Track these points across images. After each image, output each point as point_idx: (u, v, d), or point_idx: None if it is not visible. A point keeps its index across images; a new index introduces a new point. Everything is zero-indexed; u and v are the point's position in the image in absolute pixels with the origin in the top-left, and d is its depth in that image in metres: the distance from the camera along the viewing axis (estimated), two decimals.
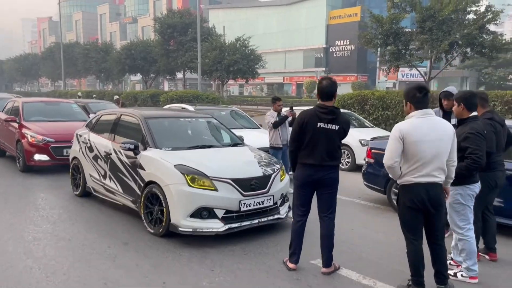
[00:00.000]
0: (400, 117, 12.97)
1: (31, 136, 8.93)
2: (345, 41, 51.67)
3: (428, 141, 3.40)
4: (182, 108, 10.25)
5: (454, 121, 5.37)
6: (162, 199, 5.00)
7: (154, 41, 37.13)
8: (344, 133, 4.12)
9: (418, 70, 16.43)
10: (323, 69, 53.63)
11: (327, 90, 4.05)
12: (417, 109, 3.49)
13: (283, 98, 48.32)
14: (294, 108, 7.89)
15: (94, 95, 27.12)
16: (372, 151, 7.02)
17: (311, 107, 4.28)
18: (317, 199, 4.26)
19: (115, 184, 6.03)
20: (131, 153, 5.59)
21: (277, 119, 7.45)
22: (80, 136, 7.14)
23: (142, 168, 5.39)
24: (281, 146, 7.54)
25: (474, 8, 14.62)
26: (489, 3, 14.88)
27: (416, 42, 14.91)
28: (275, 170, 5.46)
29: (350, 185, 8.52)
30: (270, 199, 5.24)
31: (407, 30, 15.80)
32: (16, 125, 9.53)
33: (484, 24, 14.32)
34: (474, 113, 3.87)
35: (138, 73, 40.29)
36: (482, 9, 14.57)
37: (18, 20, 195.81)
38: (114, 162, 6.02)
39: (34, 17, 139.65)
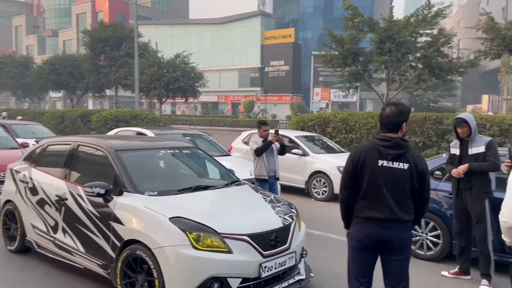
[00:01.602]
0: (365, 140, 12.43)
1: None
2: (279, 61, 52.18)
3: None
4: (138, 133, 8.72)
5: (481, 148, 4.65)
6: (151, 266, 3.61)
7: (82, 55, 34.22)
8: (418, 173, 3.03)
9: (376, 92, 16.29)
10: (259, 88, 53.55)
11: (391, 119, 3.02)
12: None
13: (219, 118, 47.34)
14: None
15: (4, 114, 23.56)
16: None
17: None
18: (382, 267, 3.16)
19: (73, 240, 4.47)
20: (99, 200, 4.11)
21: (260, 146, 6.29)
22: (17, 172, 5.42)
23: (119, 222, 3.94)
24: (267, 177, 6.36)
25: (428, 31, 14.81)
26: (442, 27, 15.21)
27: (376, 63, 14.68)
28: (294, 217, 4.30)
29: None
30: (292, 257, 4.05)
31: (366, 50, 15.61)
32: None
33: (439, 47, 14.54)
34: None
35: (62, 90, 36.87)
36: (435, 31, 14.84)
37: None
38: (71, 211, 4.47)
39: None
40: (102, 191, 4.02)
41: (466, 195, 4.74)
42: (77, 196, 4.44)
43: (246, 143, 11.22)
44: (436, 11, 14.66)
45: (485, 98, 27.64)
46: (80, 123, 22.43)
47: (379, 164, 2.99)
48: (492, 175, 4.72)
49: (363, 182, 3.04)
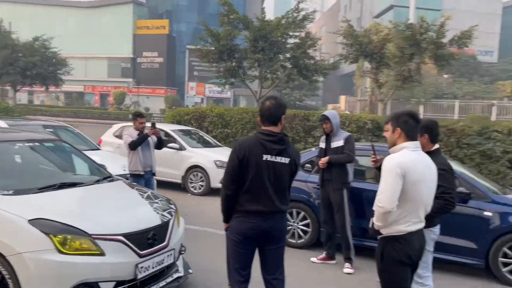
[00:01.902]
0: (240, 135, 12.75)
1: None
2: (153, 53, 50.50)
3: (426, 181, 2.84)
4: None
5: (341, 142, 5.09)
6: (6, 276, 3.13)
7: None
8: (296, 167, 3.20)
9: (250, 88, 16.74)
10: (130, 80, 51.17)
11: (272, 112, 3.09)
12: (410, 139, 2.87)
13: (85, 109, 43.90)
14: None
15: None
16: None
17: (251, 135, 3.22)
18: (260, 257, 3.23)
19: None
20: None
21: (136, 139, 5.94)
22: None
23: None
24: (143, 172, 6.04)
25: (297, 34, 15.76)
26: (309, 30, 16.31)
27: (250, 60, 15.10)
28: (172, 213, 4.14)
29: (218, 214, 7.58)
30: (171, 254, 3.90)
31: (241, 47, 15.92)
32: None
33: (306, 49, 15.59)
34: (437, 146, 3.51)
35: None
36: (303, 34, 15.88)
37: None
38: None
39: None
40: None
41: (328, 186, 5.15)
42: None
43: (118, 136, 10.58)
44: (304, 15, 15.75)
45: (342, 98, 30.72)
46: None
47: (264, 158, 3.03)
48: (350, 167, 5.20)
49: (248, 176, 3.04)
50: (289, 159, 3.10)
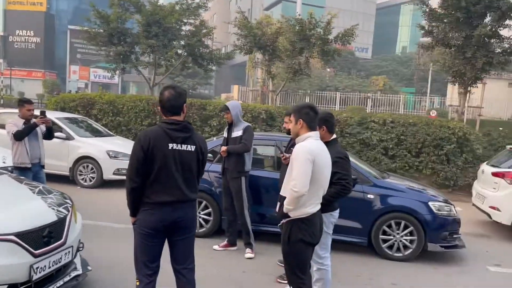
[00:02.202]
0: (133, 123, 12.26)
1: None
2: (29, 31, 45.63)
3: (327, 166, 3.14)
4: None
5: (240, 132, 5.28)
6: None
7: None
8: (202, 154, 3.22)
9: (143, 74, 16.06)
10: (0, 61, 45.52)
11: (173, 102, 3.07)
12: (312, 129, 3.17)
13: None
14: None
15: None
16: None
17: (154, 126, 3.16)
18: (170, 248, 3.22)
19: None
20: None
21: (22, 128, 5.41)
22: None
23: None
24: (30, 165, 5.50)
25: (191, 21, 15.52)
26: (203, 18, 16.18)
27: (142, 45, 14.46)
28: (69, 208, 3.88)
29: (112, 207, 7.26)
30: (69, 252, 3.67)
31: (133, 32, 15.15)
32: None
33: (201, 37, 15.47)
34: (334, 136, 3.83)
35: None
36: (197, 22, 15.70)
37: None
38: None
39: None
40: None
41: (228, 174, 5.30)
42: None
43: None
44: (198, 2, 15.61)
45: (235, 88, 31.21)
46: None
47: (169, 147, 3.01)
48: (248, 156, 5.39)
49: (154, 167, 3.00)
50: (195, 146, 3.11)
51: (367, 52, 51.42)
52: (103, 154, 8.82)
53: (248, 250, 5.31)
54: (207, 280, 4.34)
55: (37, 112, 5.60)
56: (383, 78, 32.31)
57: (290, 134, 4.65)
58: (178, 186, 3.04)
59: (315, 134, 3.19)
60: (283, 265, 4.78)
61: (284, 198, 3.16)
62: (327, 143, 3.46)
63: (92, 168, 8.85)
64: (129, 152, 8.62)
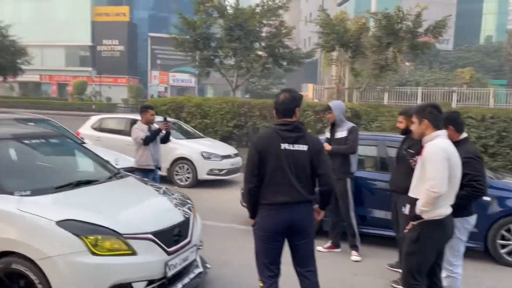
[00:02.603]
0: (219, 125, 12.66)
1: None
2: (113, 40, 48.90)
3: (459, 167, 3.02)
4: None
5: (344, 133, 5.18)
6: (35, 281, 3.00)
7: None
8: (317, 154, 3.14)
9: (226, 77, 16.55)
10: (90, 69, 49.28)
11: (287, 105, 3.13)
12: (438, 128, 3.09)
13: (45, 100, 41.88)
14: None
15: None
16: None
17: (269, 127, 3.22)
18: (291, 251, 3.25)
19: None
20: None
21: (148, 134, 5.84)
22: None
23: None
24: (154, 167, 5.98)
25: (271, 22, 15.69)
26: (282, 19, 16.28)
27: (225, 49, 14.92)
28: (191, 208, 4.08)
29: (212, 206, 7.54)
30: (194, 250, 3.86)
31: (217, 36, 15.68)
32: None
33: (281, 38, 15.59)
34: (465, 135, 3.65)
35: None
36: (277, 23, 15.83)
37: None
38: None
39: None
40: None
41: None
42: None
43: (97, 129, 10.28)
44: (278, 3, 15.70)
45: (309, 86, 30.97)
46: None
47: (282, 147, 3.04)
48: (354, 158, 5.29)
49: (267, 168, 3.06)
50: (307, 146, 3.10)
51: (447, 44, 48.38)
52: (198, 155, 9.18)
53: (354, 252, 5.21)
54: (320, 282, 4.32)
55: (158, 118, 6.01)
56: (470, 70, 30.19)
57: (404, 134, 4.51)
58: (293, 186, 3.05)
59: (443, 133, 3.12)
60: (393, 269, 4.68)
61: (414, 199, 3.07)
62: (456, 143, 3.30)
63: (187, 169, 9.25)
64: (220, 152, 8.99)
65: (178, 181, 9.31)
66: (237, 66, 15.56)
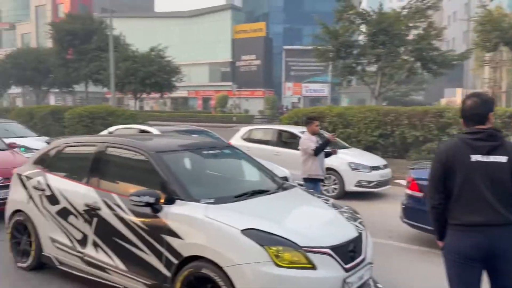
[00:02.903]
0: (363, 134, 12.24)
1: None
2: (251, 56, 51.60)
3: None
4: (141, 130, 8.05)
5: None
6: (223, 287, 3.11)
7: (47, 49, 32.37)
8: None
9: (369, 85, 16.10)
10: (230, 83, 52.89)
11: (477, 111, 2.70)
12: None
13: (190, 113, 46.26)
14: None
15: None
16: (419, 182, 5.79)
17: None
18: (490, 279, 2.77)
19: (108, 256, 3.89)
20: (145, 210, 3.55)
21: (318, 144, 5.98)
22: (29, 178, 4.72)
23: (175, 235, 3.41)
24: (322, 177, 6.22)
25: (418, 24, 14.77)
26: (432, 20, 15.20)
27: (369, 56, 14.50)
28: (362, 222, 3.90)
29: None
30: (369, 268, 3.65)
31: (361, 43, 15.38)
32: None
33: (431, 40, 14.55)
34: None
35: (26, 86, 34.90)
36: (425, 24, 14.82)
37: None
38: (106, 222, 3.88)
39: None
40: (152, 200, 3.46)
41: None
42: (113, 206, 3.85)
43: (246, 139, 10.78)
44: (427, 3, 14.66)
45: (458, 91, 28.36)
46: (51, 121, 21.15)
47: (473, 159, 2.62)
48: None
49: (455, 183, 2.66)
50: (507, 157, 2.60)
51: None
52: (345, 166, 8.96)
53: None
54: None
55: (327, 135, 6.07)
56: None
57: None
58: (489, 204, 2.60)
59: None
60: None
61: None
62: None
63: (334, 180, 9.09)
64: (369, 163, 8.64)
65: (324, 192, 9.16)
66: (380, 72, 14.92)
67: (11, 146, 7.85)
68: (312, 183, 5.91)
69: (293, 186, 4.51)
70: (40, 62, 31.31)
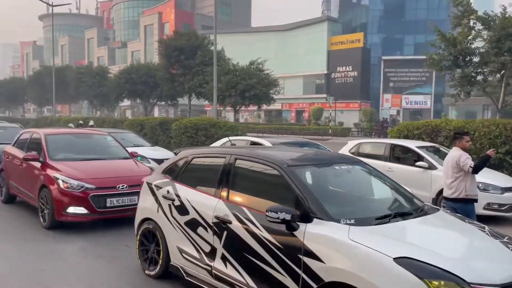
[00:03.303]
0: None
1: (63, 181, 6.56)
2: (347, 67, 50.50)
3: None
4: (252, 142, 8.04)
5: None
6: None
7: (156, 64, 34.95)
8: None
9: (492, 98, 14.62)
10: (325, 95, 52.25)
11: None
12: None
13: (285, 125, 46.50)
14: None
15: (91, 123, 24.47)
16: None
17: None
18: None
19: (238, 272, 3.76)
20: (279, 226, 3.35)
21: (476, 161, 5.51)
22: (158, 188, 4.84)
23: (314, 257, 3.15)
24: (476, 197, 5.63)
25: None
26: None
27: (492, 64, 13.12)
28: None
29: None
30: None
31: (482, 50, 14.05)
32: (38, 164, 7.16)
33: None
34: None
35: (137, 99, 37.97)
36: None
37: None
38: (237, 236, 3.77)
39: (16, 42, 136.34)
40: (288, 217, 3.25)
41: None
42: (244, 220, 3.73)
43: (355, 153, 10.27)
44: None
45: None
46: (159, 131, 22.54)
47: None
48: None
49: None
50: None
51: None
52: None
53: None
54: None
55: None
56: None
57: None
58: None
59: None
60: None
61: None
62: None
63: None
64: (501, 184, 7.66)
65: None
66: (505, 82, 13.39)
67: (132, 155, 8.32)
68: (463, 205, 5.35)
69: (436, 209, 4.01)
70: (150, 76, 33.85)
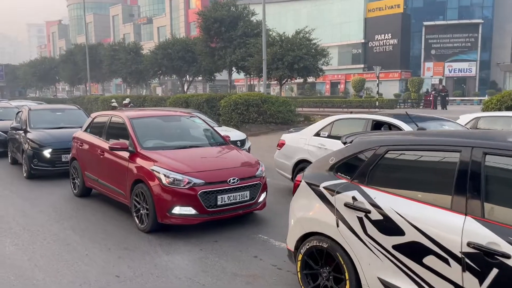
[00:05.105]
0: None
1: (165, 175, 5.31)
2: (386, 35, 47.70)
3: None
4: (377, 123, 6.57)
5: None
6: None
7: (194, 38, 33.36)
8: None
9: None
10: (362, 65, 49.87)
11: None
12: None
13: (317, 98, 44.43)
14: None
15: (129, 102, 23.35)
16: None
17: None
18: None
19: None
20: None
21: None
22: (332, 192, 3.50)
23: None
24: None
25: None
26: None
27: None
28: None
29: None
30: None
31: None
32: (126, 154, 5.92)
33: None
34: None
35: (172, 75, 36.66)
36: None
37: (23, 26, 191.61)
38: None
39: (41, 22, 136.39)
40: None
41: None
42: None
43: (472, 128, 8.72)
44: None
45: None
46: (206, 108, 21.30)
47: None
48: None
49: None
50: None
51: None
52: None
53: None
54: None
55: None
56: None
57: None
58: None
59: None
60: None
61: None
62: None
63: None
64: None
65: None
66: None
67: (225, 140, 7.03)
68: None
69: None
70: (187, 51, 32.36)
